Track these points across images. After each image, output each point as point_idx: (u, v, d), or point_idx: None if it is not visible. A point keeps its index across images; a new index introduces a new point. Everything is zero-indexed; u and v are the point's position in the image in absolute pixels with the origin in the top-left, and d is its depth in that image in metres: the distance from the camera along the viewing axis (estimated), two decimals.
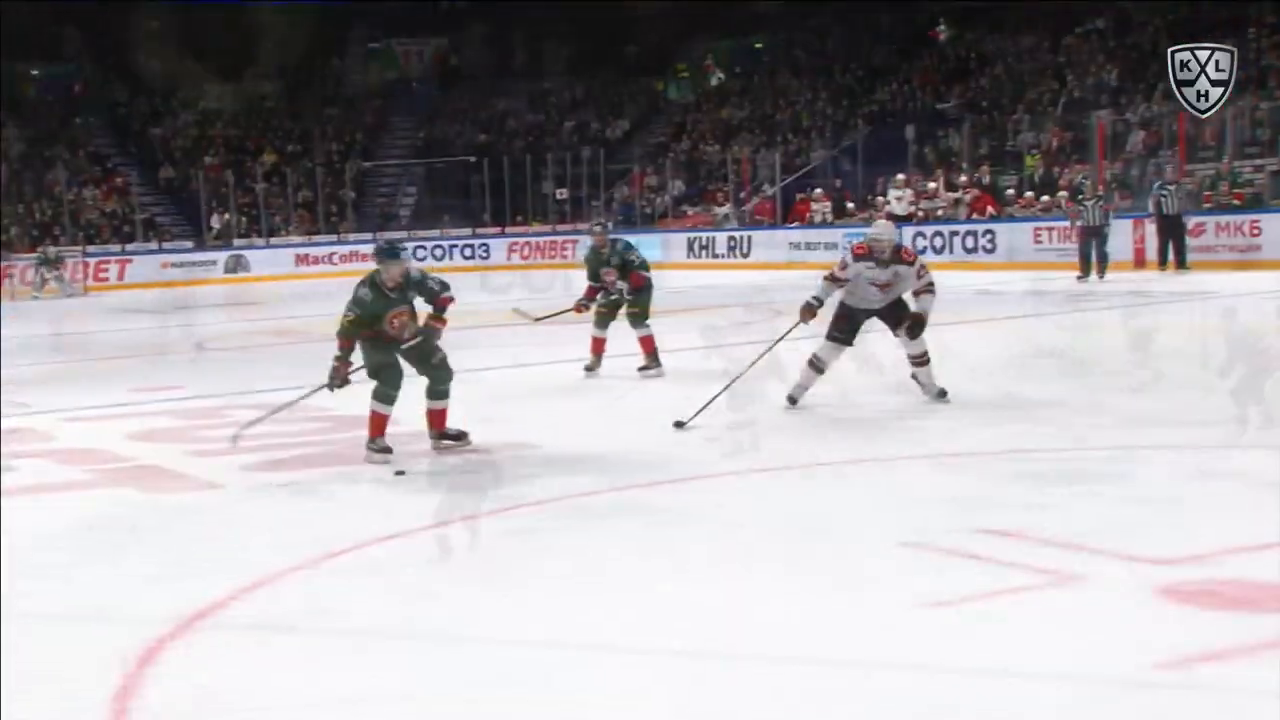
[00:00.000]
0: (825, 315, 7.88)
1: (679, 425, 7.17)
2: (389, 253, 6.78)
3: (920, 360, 7.73)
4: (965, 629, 3.89)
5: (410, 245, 29.07)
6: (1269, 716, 3.22)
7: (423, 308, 6.93)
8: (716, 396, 7.39)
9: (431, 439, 6.95)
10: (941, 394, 7.75)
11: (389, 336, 6.77)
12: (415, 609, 4.34)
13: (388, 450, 6.70)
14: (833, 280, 7.79)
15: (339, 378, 6.84)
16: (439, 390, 6.90)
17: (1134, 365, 9.59)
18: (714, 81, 35.97)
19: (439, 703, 3.55)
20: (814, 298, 7.77)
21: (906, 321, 7.65)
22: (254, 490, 6.29)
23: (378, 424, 6.77)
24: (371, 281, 6.74)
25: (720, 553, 4.89)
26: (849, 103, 30.33)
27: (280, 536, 5.39)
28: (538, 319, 10.80)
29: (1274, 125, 20.91)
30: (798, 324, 7.84)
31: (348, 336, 6.77)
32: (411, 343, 6.81)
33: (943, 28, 30.97)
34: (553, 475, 6.37)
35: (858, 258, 7.70)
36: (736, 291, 18.50)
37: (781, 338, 7.94)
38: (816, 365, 7.76)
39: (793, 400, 7.76)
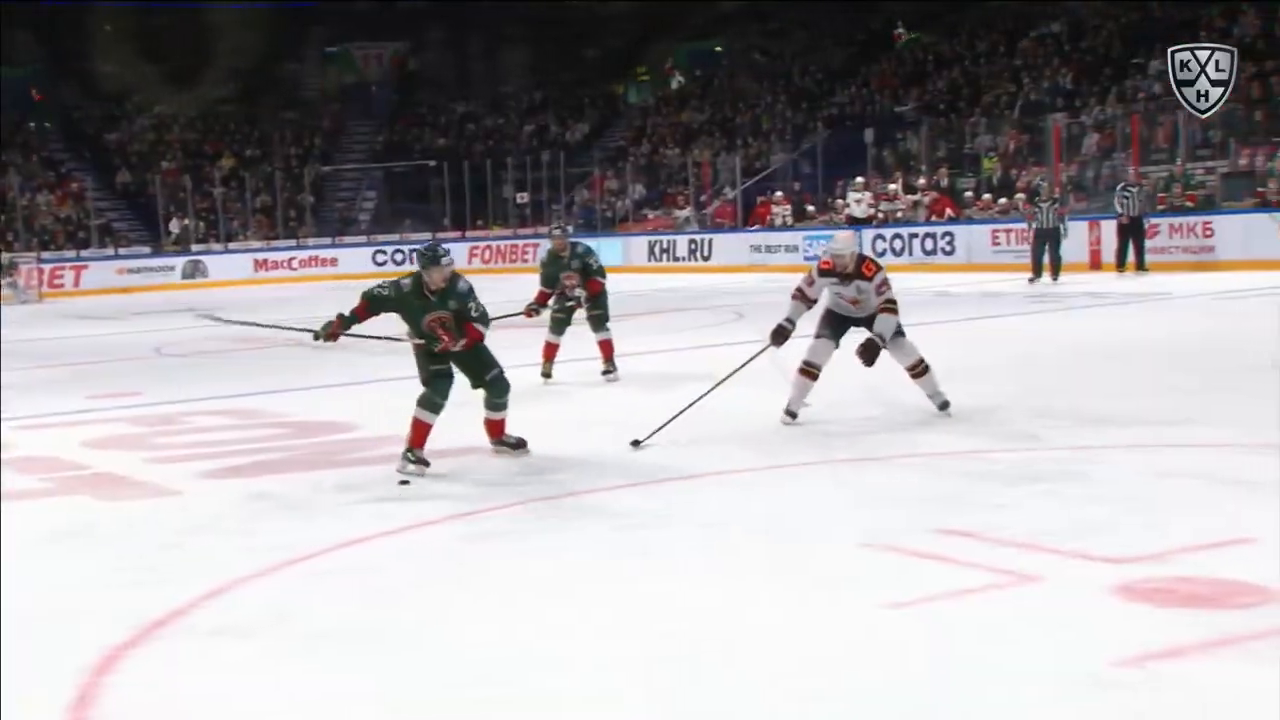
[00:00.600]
0: (815, 316, 7.74)
1: (635, 444, 6.98)
2: (430, 257, 6.61)
3: (916, 371, 7.47)
4: (928, 629, 3.91)
5: (370, 250, 29.38)
6: (1227, 712, 3.26)
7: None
8: (676, 417, 7.20)
9: (492, 445, 6.96)
10: (944, 405, 7.47)
11: (428, 341, 6.68)
12: (381, 613, 4.31)
13: (425, 463, 6.53)
14: (802, 299, 7.56)
15: (328, 332, 6.79)
16: (496, 403, 6.89)
17: (1091, 366, 9.69)
18: (674, 85, 36.03)
19: (407, 707, 3.53)
20: (786, 320, 7.50)
21: (859, 347, 7.43)
22: (213, 497, 6.24)
23: (419, 433, 6.58)
24: (418, 277, 6.66)
25: (691, 555, 4.90)
26: (808, 106, 30.46)
27: (240, 543, 5.35)
28: None
29: (1225, 128, 21.13)
30: (768, 348, 7.55)
31: (368, 300, 6.72)
32: (410, 341, 6.75)
33: (902, 30, 31.13)
34: (522, 478, 6.36)
35: (823, 273, 7.49)
36: (698, 295, 18.53)
37: (748, 361, 7.69)
38: (809, 370, 7.47)
39: (792, 415, 7.45)
